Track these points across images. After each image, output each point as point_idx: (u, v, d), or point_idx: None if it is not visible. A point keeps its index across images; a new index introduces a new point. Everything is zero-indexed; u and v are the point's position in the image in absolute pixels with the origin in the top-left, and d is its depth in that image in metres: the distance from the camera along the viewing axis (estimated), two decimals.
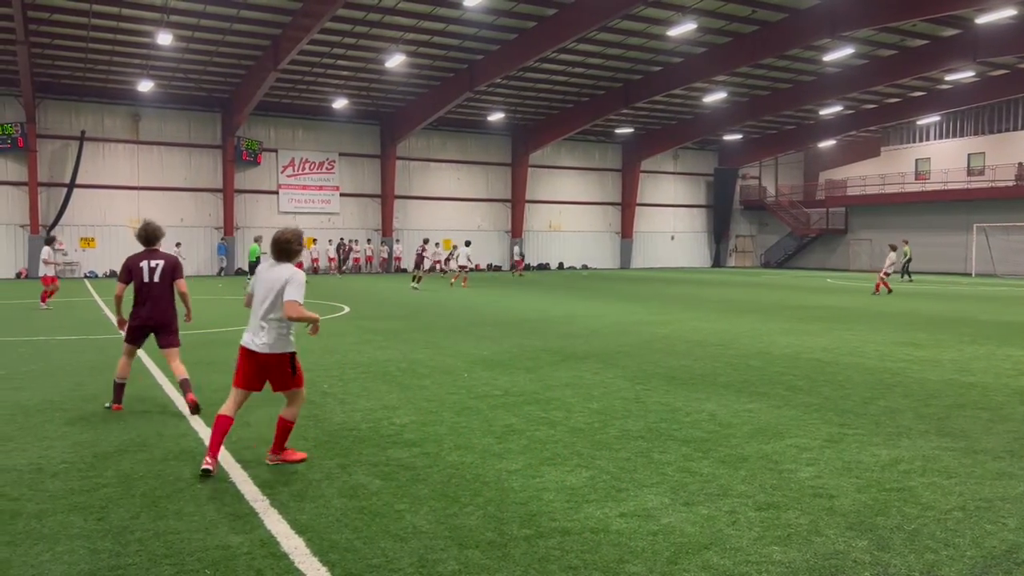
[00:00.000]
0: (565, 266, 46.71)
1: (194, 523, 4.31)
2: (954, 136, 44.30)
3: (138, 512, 4.48)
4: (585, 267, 47.13)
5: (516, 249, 39.81)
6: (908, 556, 3.87)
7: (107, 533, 4.16)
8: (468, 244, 29.80)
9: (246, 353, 5.35)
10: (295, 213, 38.89)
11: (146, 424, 6.67)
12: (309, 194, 39.62)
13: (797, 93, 37.90)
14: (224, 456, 5.63)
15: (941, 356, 10.73)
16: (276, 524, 4.29)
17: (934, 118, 43.47)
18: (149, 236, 7.22)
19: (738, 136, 48.35)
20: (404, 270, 41.07)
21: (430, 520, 4.35)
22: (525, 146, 43.93)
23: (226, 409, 5.35)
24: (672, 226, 51.73)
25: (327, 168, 40.08)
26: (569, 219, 47.59)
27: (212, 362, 10.06)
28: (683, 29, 27.39)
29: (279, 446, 5.52)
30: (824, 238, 49.03)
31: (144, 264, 7.11)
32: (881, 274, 24.82)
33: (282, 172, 38.95)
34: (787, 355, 10.82)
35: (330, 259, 39.01)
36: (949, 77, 36.28)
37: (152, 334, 7.27)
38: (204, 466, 5.17)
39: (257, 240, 24.83)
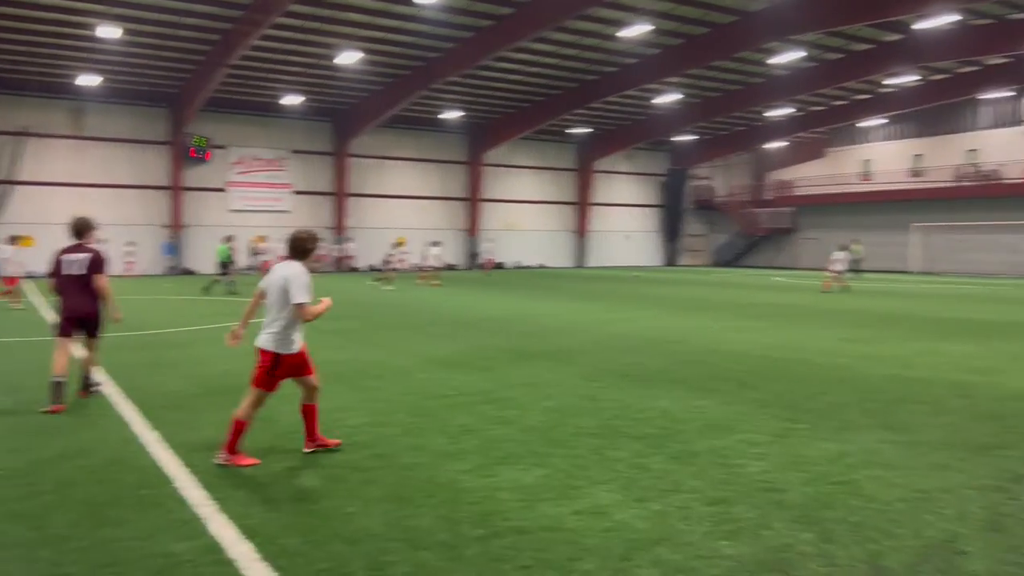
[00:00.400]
0: (522, 265, 46.78)
1: (136, 530, 4.19)
2: (896, 138, 45.60)
3: (78, 520, 4.34)
4: (541, 265, 47.25)
5: (487, 247, 39.49)
6: (852, 547, 3.96)
7: (46, 542, 4.02)
8: (438, 244, 29.69)
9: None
10: (246, 211, 38.18)
11: (87, 428, 6.47)
12: (260, 192, 38.92)
13: (747, 95, 38.60)
14: (169, 461, 5.50)
15: (884, 352, 11.03)
16: (222, 530, 4.20)
17: (877, 120, 44.70)
18: (77, 229, 7.36)
19: (690, 137, 49.03)
20: (357, 269, 40.68)
21: (382, 522, 4.31)
22: (481, 145, 43.89)
23: (303, 399, 5.77)
24: (626, 225, 52.23)
25: (279, 166, 39.43)
26: (525, 218, 47.70)
27: (156, 364, 9.81)
28: (636, 30, 27.66)
29: (231, 445, 5.39)
30: (772, 237, 50.01)
31: (67, 257, 7.21)
32: (833, 273, 24.95)
33: (232, 169, 38.20)
34: (737, 352, 11.00)
35: (280, 257, 38.25)
36: (892, 80, 37.35)
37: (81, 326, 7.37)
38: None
39: (225, 240, 24.16)
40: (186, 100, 34.02)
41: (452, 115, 40.69)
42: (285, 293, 5.34)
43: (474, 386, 8.36)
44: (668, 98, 38.66)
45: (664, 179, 52.82)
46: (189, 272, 36.23)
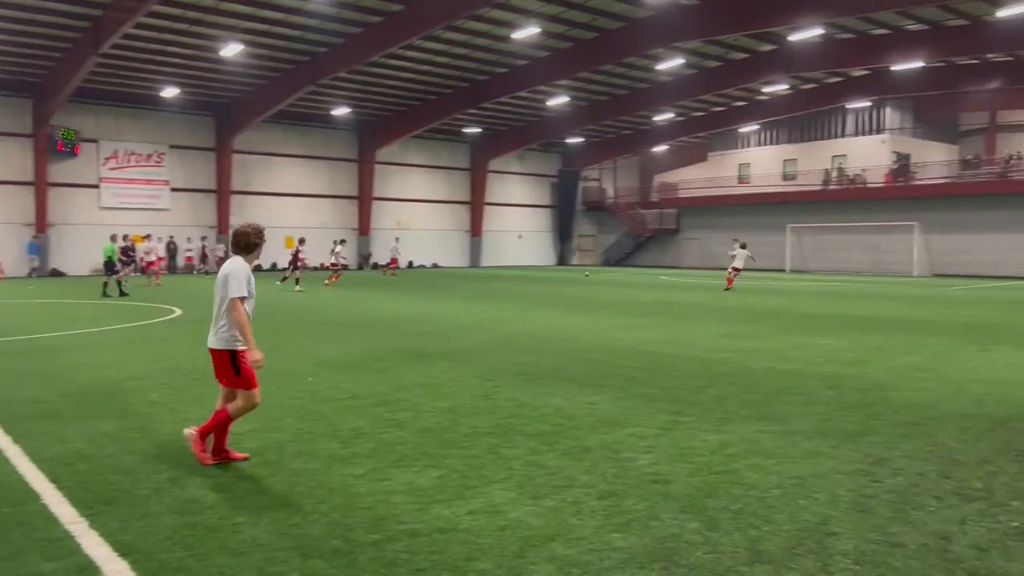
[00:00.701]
0: (415, 265, 46.42)
1: (0, 551, 3.88)
2: (771, 144, 48.23)
3: None
4: (435, 265, 47.03)
5: (393, 246, 38.32)
6: (734, 534, 4.15)
7: None
8: (343, 243, 28.86)
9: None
10: (119, 209, 36.00)
11: None
12: (135, 188, 36.83)
13: (634, 99, 39.84)
14: (35, 476, 5.12)
15: (761, 346, 11.63)
16: (96, 547, 3.94)
17: (754, 126, 47.14)
18: None
19: (580, 139, 50.13)
20: None
21: (271, 532, 4.17)
22: (372, 142, 43.25)
23: (219, 405, 5.52)
24: (519, 225, 52.81)
25: (155, 161, 37.43)
26: (418, 217, 47.37)
27: (21, 371, 9.12)
28: (526, 33, 28.01)
29: (205, 432, 5.38)
30: (658, 237, 51.82)
31: None
32: (730, 269, 25.41)
33: (104, 165, 35.93)
34: (626, 348, 11.32)
35: (159, 258, 36.32)
36: (767, 89, 39.52)
37: None
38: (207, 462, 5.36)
39: (112, 239, 22.73)
40: (52, 90, 31.78)
41: (341, 112, 39.88)
42: (225, 287, 5.27)
43: (367, 388, 8.22)
44: (558, 100, 39.35)
45: (556, 180, 53.77)
46: (58, 273, 33.88)
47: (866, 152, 42.46)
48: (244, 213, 40.11)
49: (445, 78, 35.87)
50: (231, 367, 5.32)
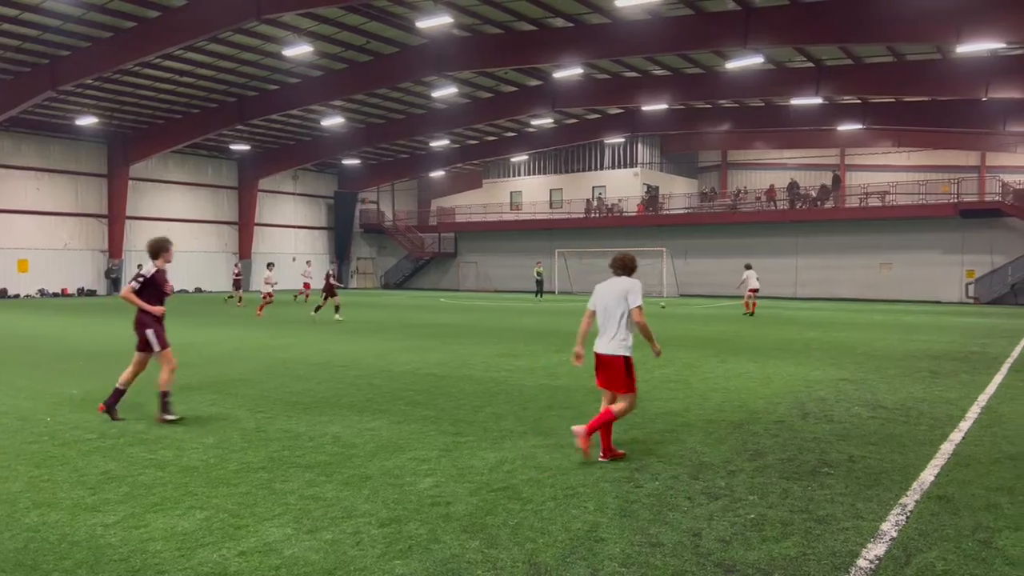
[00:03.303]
0: (175, 289, 42.96)
1: None
2: (540, 173, 51.00)
3: None
4: (197, 290, 43.81)
5: (306, 270, 34.32)
6: (513, 549, 4.28)
7: None
8: (271, 267, 25.70)
9: (596, 356, 6.30)
10: None
11: None
12: None
13: (409, 124, 40.26)
14: None
15: (535, 364, 12.17)
16: None
17: (523, 156, 49.61)
18: None
19: (357, 161, 49.60)
20: None
21: None
22: (125, 156, 39.54)
23: (604, 403, 6.38)
24: (293, 247, 50.95)
25: None
26: (179, 238, 43.83)
27: None
28: (298, 51, 27.27)
29: (593, 429, 6.03)
30: (437, 260, 52.57)
31: None
32: (748, 294, 24.62)
33: None
34: (407, 371, 11.30)
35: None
36: (535, 122, 41.84)
37: None
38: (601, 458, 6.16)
39: None
40: None
41: (88, 122, 36.03)
42: (625, 301, 6.12)
43: (120, 427, 7.45)
44: (333, 121, 38.71)
45: (332, 201, 52.67)
46: None
47: (622, 184, 46.30)
48: None
49: (210, 91, 33.87)
50: (625, 372, 6.11)
